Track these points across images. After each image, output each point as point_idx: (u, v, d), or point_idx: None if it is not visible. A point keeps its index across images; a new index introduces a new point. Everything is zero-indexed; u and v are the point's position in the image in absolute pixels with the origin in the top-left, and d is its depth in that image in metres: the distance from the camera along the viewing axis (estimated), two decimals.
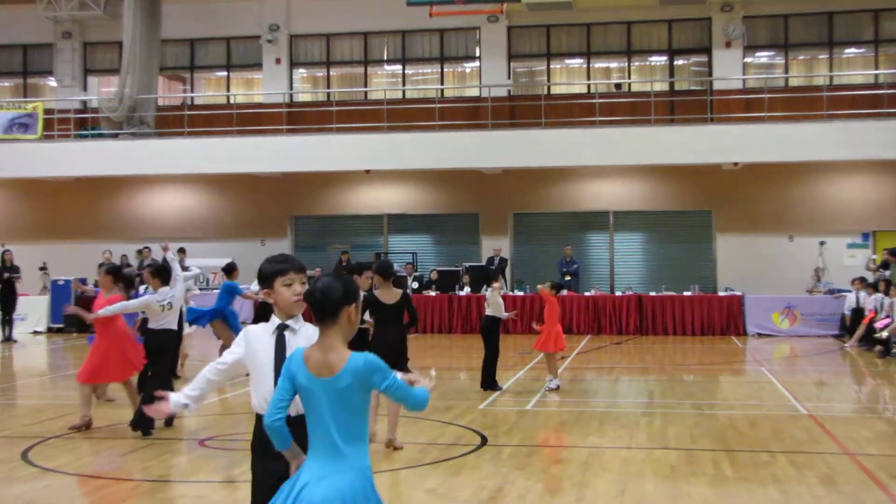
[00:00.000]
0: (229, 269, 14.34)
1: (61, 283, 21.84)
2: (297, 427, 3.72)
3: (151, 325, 9.70)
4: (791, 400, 11.66)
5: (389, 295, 8.81)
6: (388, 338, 8.68)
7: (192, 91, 26.34)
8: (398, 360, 8.43)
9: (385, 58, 25.50)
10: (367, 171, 23.30)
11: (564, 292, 19.34)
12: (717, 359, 16.84)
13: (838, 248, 22.46)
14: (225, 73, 26.24)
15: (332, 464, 3.51)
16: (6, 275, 20.47)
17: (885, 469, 7.83)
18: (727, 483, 7.47)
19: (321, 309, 3.65)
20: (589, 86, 24.16)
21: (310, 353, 3.64)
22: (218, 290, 13.99)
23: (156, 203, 25.72)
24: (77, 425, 9.55)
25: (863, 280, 18.90)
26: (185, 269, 15.40)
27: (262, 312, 14.80)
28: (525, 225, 24.36)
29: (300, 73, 26.09)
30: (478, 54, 24.74)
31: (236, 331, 14.11)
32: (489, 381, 12.14)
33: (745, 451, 8.63)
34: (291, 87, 25.52)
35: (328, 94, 25.19)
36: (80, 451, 8.78)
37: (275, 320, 4.26)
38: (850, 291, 19.24)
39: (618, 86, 24.56)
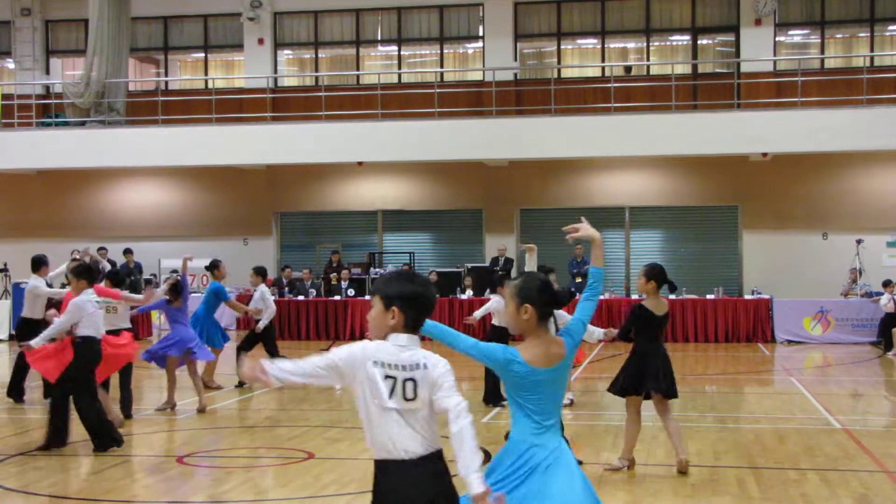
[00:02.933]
0: (214, 267, 14.06)
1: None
2: None
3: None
4: (823, 413, 11.78)
5: (659, 305, 8.45)
6: (659, 360, 8.49)
7: (166, 75, 26.42)
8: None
9: (379, 37, 25.59)
10: (360, 163, 23.39)
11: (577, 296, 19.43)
12: (742, 368, 16.94)
13: (877, 247, 22.55)
14: (202, 55, 26.32)
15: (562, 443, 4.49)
16: None
17: None
18: (753, 503, 7.58)
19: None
20: (603, 68, 24.25)
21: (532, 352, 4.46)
22: (196, 294, 13.94)
23: (127, 198, 25.82)
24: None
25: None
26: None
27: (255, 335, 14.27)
28: (533, 222, 24.46)
29: (285, 54, 26.18)
30: (481, 34, 24.83)
31: (219, 344, 14.09)
32: (492, 396, 12.21)
33: (773, 468, 8.73)
34: (276, 71, 25.60)
35: (316, 79, 25.27)
36: (48, 470, 8.89)
37: None
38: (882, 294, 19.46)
39: (628, 69, 24.59)
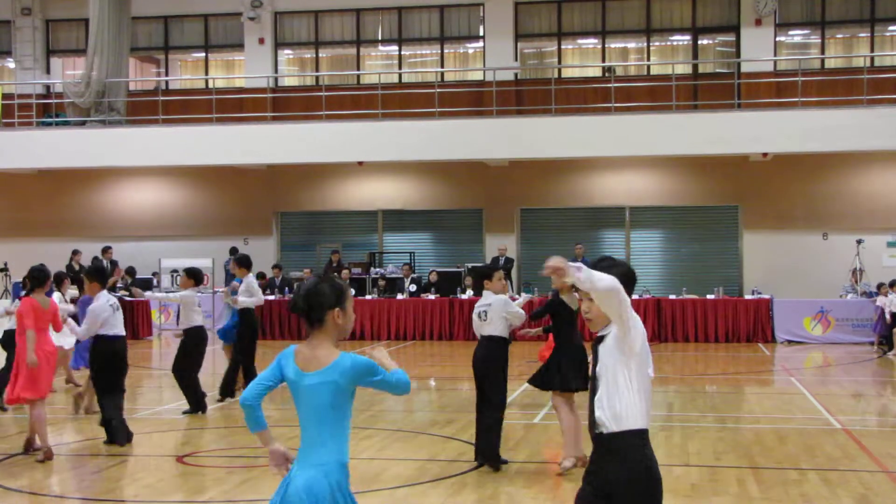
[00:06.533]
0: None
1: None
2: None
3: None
4: (823, 413, 11.78)
5: (573, 300, 8.68)
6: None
7: (166, 74, 26.41)
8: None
9: (379, 37, 25.58)
10: (360, 163, 23.39)
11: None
12: (742, 368, 16.95)
13: (877, 247, 22.55)
14: (203, 55, 26.31)
15: (312, 456, 4.08)
16: None
17: None
18: (753, 503, 7.58)
19: (307, 313, 4.14)
20: (604, 68, 24.26)
21: (300, 348, 4.14)
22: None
23: (127, 198, 25.82)
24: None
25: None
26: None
27: (246, 318, 13.56)
28: (533, 222, 24.46)
29: (286, 54, 26.17)
30: (482, 33, 24.82)
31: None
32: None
33: (773, 468, 8.74)
34: (276, 70, 25.60)
35: (317, 78, 25.27)
36: (48, 470, 8.89)
37: None
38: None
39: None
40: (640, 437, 4.13)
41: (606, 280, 3.97)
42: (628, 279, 4.19)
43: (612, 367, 4.13)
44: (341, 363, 4.08)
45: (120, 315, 9.92)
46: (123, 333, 9.97)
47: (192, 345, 11.81)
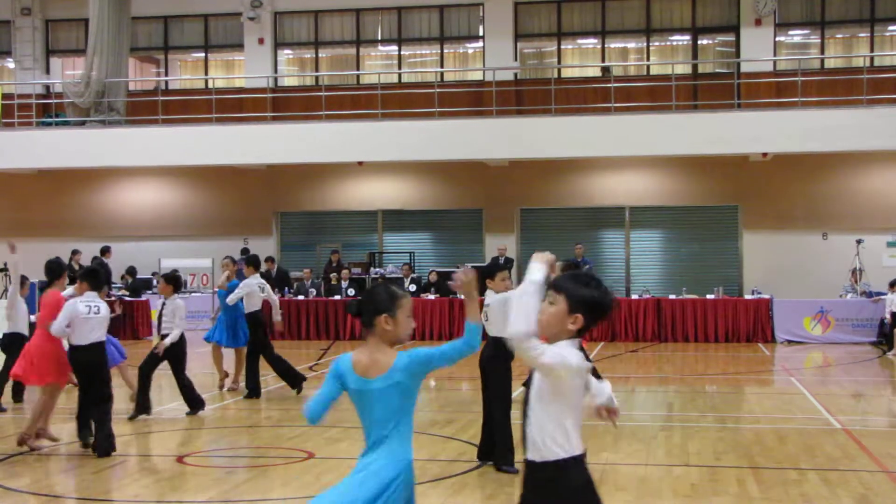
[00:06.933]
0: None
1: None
2: None
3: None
4: (823, 413, 11.78)
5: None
6: None
7: (166, 74, 26.41)
8: None
9: (379, 37, 25.58)
10: (360, 163, 23.39)
11: None
12: (742, 368, 16.95)
13: (877, 247, 22.55)
14: (202, 55, 26.32)
15: (381, 456, 4.17)
16: None
17: None
18: (753, 503, 7.58)
19: (359, 315, 4.28)
20: (602, 68, 24.26)
21: (357, 357, 4.27)
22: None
23: (127, 198, 25.82)
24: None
25: None
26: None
27: (253, 321, 13.50)
28: (533, 222, 24.46)
29: (286, 54, 26.18)
30: (481, 33, 24.82)
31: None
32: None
33: (773, 468, 8.73)
34: (276, 70, 25.60)
35: (316, 78, 25.27)
36: (48, 470, 8.90)
37: None
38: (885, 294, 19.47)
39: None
40: (579, 463, 3.95)
41: (518, 322, 3.72)
42: (596, 307, 3.89)
43: (545, 397, 3.95)
44: (399, 363, 4.20)
45: (99, 320, 9.27)
46: (100, 340, 9.34)
47: (170, 350, 11.64)
